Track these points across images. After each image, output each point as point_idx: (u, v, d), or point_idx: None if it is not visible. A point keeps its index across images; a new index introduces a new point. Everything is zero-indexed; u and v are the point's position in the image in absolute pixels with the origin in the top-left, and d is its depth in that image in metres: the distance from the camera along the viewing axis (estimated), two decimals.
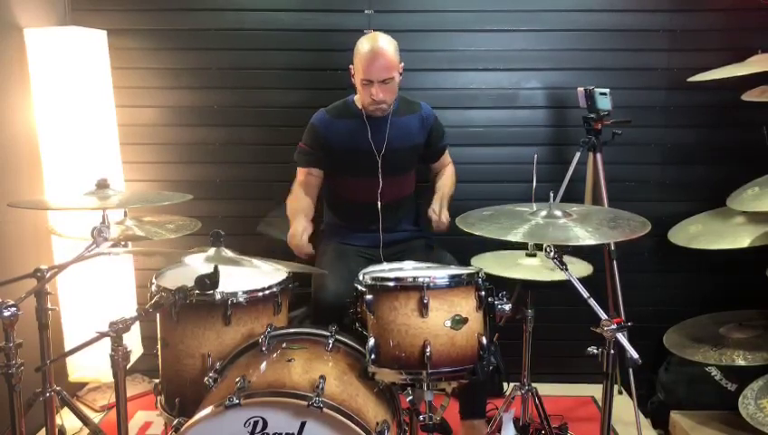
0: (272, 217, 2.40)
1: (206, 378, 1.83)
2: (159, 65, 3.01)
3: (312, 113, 2.61)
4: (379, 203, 2.56)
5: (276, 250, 2.40)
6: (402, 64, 2.47)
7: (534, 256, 2.33)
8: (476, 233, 1.91)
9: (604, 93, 2.68)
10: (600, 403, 2.10)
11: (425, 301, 1.78)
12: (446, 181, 2.71)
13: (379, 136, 2.53)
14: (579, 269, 2.30)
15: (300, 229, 2.37)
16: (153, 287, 2.06)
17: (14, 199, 2.41)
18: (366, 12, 2.96)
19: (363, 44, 2.43)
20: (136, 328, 3.01)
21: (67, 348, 2.70)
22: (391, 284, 1.86)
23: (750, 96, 2.67)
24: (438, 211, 2.50)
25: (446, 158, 2.80)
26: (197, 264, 1.83)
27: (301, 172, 2.62)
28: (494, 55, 3.00)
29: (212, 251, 1.90)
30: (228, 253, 1.88)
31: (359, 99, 2.55)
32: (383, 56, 2.38)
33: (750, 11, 2.91)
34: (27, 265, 2.03)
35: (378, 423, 1.69)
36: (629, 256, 2.86)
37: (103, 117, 2.81)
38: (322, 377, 1.68)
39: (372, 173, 2.54)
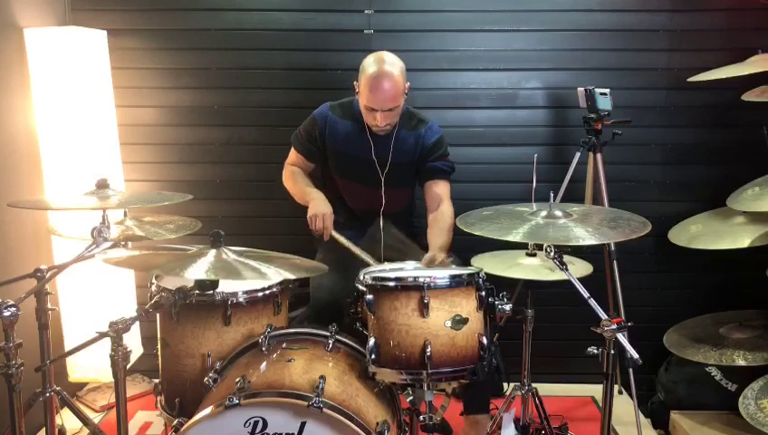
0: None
1: (206, 378, 1.83)
2: (159, 65, 3.01)
3: (311, 114, 2.60)
4: (382, 220, 2.51)
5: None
6: (408, 84, 2.38)
7: (534, 255, 2.33)
8: (476, 233, 1.91)
9: (604, 93, 2.68)
10: (600, 403, 2.10)
11: (425, 301, 1.78)
12: (439, 232, 2.36)
13: (383, 151, 2.47)
14: (579, 269, 2.30)
15: (328, 212, 2.37)
16: (153, 287, 2.05)
17: (14, 199, 2.40)
18: (366, 12, 2.95)
19: (369, 68, 2.31)
20: (136, 328, 3.01)
21: (67, 348, 2.70)
22: (392, 284, 1.85)
23: (750, 96, 2.67)
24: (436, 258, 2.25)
25: (441, 189, 2.46)
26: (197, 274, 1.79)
27: (293, 153, 2.62)
28: (494, 55, 3.00)
29: (212, 256, 1.86)
30: (229, 254, 1.87)
31: None
32: (389, 86, 2.28)
33: (750, 11, 2.91)
34: (27, 265, 2.04)
35: (378, 423, 1.69)
36: (629, 256, 2.86)
37: (103, 117, 2.81)
38: (322, 377, 1.68)
39: (367, 179, 2.50)
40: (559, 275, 1.89)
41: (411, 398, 1.86)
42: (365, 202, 2.55)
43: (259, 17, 2.98)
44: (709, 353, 2.61)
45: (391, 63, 2.32)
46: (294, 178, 2.59)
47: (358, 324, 1.97)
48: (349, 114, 2.52)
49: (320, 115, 2.54)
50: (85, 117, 2.68)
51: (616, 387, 2.96)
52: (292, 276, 1.85)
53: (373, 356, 1.81)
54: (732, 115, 2.95)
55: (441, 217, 2.41)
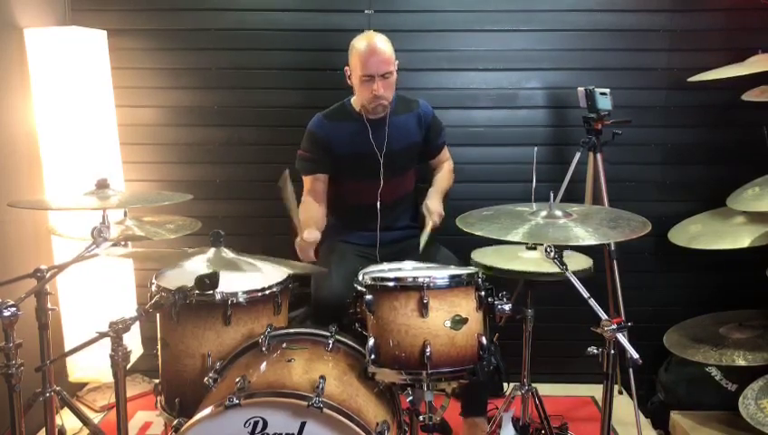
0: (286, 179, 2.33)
1: (206, 378, 1.83)
2: (159, 65, 3.01)
3: (312, 113, 2.61)
4: (379, 204, 2.56)
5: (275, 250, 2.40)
6: (397, 61, 2.47)
7: (534, 249, 2.33)
8: (476, 233, 1.91)
9: (604, 93, 2.68)
10: (600, 403, 2.11)
11: (425, 301, 1.78)
12: (442, 176, 2.72)
13: (379, 137, 2.53)
14: (578, 262, 2.30)
15: (311, 240, 2.35)
16: (153, 287, 2.05)
17: (14, 199, 2.40)
18: (366, 12, 2.95)
19: (359, 42, 2.45)
20: (136, 328, 3.01)
21: (67, 348, 2.70)
22: (391, 284, 1.86)
23: (750, 96, 2.67)
24: (431, 208, 2.49)
25: (445, 154, 2.78)
26: (197, 266, 1.82)
27: (307, 180, 2.59)
28: (494, 55, 3.00)
29: (211, 253, 1.89)
30: (228, 253, 1.88)
31: (356, 101, 2.54)
32: (381, 50, 2.41)
33: (750, 11, 2.91)
34: (27, 265, 2.04)
35: (378, 423, 1.68)
36: (629, 256, 2.86)
37: (103, 117, 2.81)
38: (322, 377, 1.68)
39: (374, 174, 2.54)
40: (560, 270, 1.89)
41: (411, 398, 1.86)
42: (367, 196, 2.56)
43: (259, 17, 2.98)
44: (709, 353, 2.61)
45: (378, 35, 2.47)
46: (300, 209, 2.52)
47: (357, 325, 1.97)
48: (343, 116, 2.56)
49: (316, 126, 2.57)
50: (85, 117, 2.68)
51: (616, 387, 2.96)
52: (290, 271, 1.85)
53: (373, 356, 1.81)
54: (732, 115, 2.95)
55: (444, 167, 2.77)
